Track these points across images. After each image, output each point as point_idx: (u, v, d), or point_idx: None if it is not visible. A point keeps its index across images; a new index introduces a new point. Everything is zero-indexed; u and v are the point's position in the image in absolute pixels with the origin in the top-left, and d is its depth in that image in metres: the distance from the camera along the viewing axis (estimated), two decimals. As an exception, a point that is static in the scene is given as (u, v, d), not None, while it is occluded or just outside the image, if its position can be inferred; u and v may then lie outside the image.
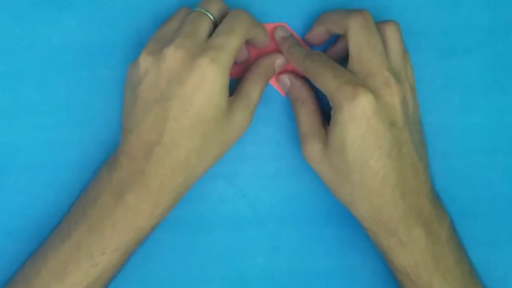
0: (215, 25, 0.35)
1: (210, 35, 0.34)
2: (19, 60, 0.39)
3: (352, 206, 0.35)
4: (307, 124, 0.36)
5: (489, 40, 0.40)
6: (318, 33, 0.38)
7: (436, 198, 0.35)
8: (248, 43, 0.37)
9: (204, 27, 0.34)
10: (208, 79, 0.32)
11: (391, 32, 0.35)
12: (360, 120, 0.32)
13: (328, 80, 0.33)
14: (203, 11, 0.35)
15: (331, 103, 0.34)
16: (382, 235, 0.34)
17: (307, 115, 0.37)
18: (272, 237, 0.39)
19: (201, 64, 0.32)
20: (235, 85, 0.37)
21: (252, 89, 0.36)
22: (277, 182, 0.39)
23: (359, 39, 0.34)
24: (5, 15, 0.39)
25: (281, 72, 0.39)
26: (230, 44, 0.33)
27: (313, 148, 0.35)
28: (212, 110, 0.33)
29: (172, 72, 0.32)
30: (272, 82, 0.39)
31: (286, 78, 0.38)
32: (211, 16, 0.35)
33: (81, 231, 0.33)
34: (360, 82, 0.33)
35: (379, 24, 0.35)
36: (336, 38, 0.39)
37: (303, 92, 0.38)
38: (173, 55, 0.32)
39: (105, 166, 0.35)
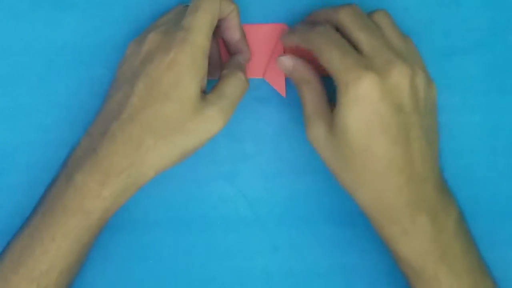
0: None
1: None
2: (19, 60, 0.39)
3: (355, 192, 0.34)
4: (313, 105, 0.35)
5: (489, 40, 0.40)
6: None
7: (444, 187, 0.34)
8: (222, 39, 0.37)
9: None
10: (178, 60, 0.32)
11: (382, 20, 0.35)
12: (365, 103, 0.31)
13: (334, 59, 0.32)
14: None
15: (336, 83, 0.32)
16: (386, 224, 0.33)
17: (313, 95, 0.35)
18: (272, 237, 0.39)
19: (172, 46, 0.32)
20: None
21: (225, 84, 0.35)
22: (277, 182, 0.39)
23: (354, 25, 0.33)
24: (5, 15, 0.39)
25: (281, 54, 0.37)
26: (198, 22, 0.33)
27: (318, 130, 0.34)
28: (179, 91, 0.32)
29: (148, 53, 0.33)
30: (272, 82, 0.39)
31: (287, 59, 0.36)
32: None
33: (36, 217, 0.33)
34: (367, 64, 0.32)
35: (368, 15, 0.35)
36: None
37: (307, 72, 0.36)
38: (152, 39, 0.33)
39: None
